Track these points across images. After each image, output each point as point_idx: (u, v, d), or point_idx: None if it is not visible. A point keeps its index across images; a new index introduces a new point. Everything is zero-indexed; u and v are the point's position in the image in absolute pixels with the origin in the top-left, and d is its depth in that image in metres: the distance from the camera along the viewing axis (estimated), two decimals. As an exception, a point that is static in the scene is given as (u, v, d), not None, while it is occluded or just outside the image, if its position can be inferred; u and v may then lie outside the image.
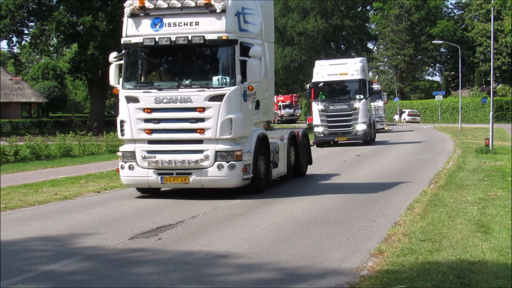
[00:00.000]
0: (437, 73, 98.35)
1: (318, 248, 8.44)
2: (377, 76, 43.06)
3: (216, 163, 12.61)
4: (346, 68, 29.75)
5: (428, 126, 58.07)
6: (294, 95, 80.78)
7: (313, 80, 30.21)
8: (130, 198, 13.64)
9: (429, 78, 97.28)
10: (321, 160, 21.89)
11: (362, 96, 29.27)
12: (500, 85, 79.56)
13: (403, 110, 73.41)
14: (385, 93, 53.50)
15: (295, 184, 15.88)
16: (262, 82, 13.82)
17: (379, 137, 35.75)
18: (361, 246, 8.47)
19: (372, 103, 43.97)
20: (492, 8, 27.22)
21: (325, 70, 29.97)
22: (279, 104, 73.81)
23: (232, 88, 12.54)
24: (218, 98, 12.48)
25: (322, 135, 29.71)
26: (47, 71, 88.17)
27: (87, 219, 11.05)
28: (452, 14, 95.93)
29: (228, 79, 12.59)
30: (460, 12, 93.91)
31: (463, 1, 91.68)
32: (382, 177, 16.80)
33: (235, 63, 12.63)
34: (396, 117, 73.81)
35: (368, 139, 29.83)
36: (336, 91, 30.40)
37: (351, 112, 29.08)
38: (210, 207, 11.91)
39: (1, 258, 8.18)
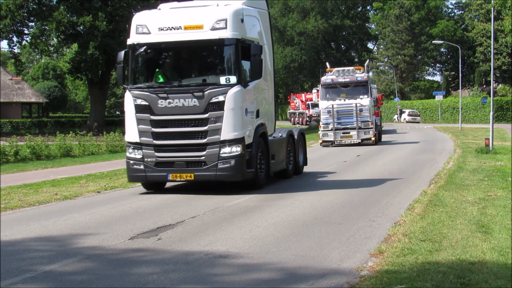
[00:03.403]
0: (437, 73, 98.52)
1: (318, 248, 8.44)
2: (367, 61, 30.10)
3: None
4: (200, 16, 13.75)
5: (428, 126, 58.07)
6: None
7: (132, 40, 13.96)
8: (130, 198, 13.64)
9: (429, 78, 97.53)
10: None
11: (234, 80, 13.43)
12: (500, 85, 79.59)
13: (403, 110, 73.46)
14: (375, 85, 38.10)
15: (295, 184, 15.88)
16: None
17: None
18: (361, 246, 8.47)
19: (353, 101, 29.09)
20: (492, 8, 27.25)
21: (157, 21, 13.92)
22: (307, 103, 64.79)
23: None
24: None
25: (143, 166, 13.84)
26: (47, 71, 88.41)
27: (87, 219, 11.05)
28: (452, 14, 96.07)
29: None
30: (460, 12, 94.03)
31: (463, 1, 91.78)
32: (382, 177, 16.79)
33: None
34: (396, 117, 73.88)
35: (256, 177, 14.10)
36: (175, 65, 14.55)
37: (206, 115, 13.39)
38: (210, 207, 11.91)
39: (1, 258, 8.18)
